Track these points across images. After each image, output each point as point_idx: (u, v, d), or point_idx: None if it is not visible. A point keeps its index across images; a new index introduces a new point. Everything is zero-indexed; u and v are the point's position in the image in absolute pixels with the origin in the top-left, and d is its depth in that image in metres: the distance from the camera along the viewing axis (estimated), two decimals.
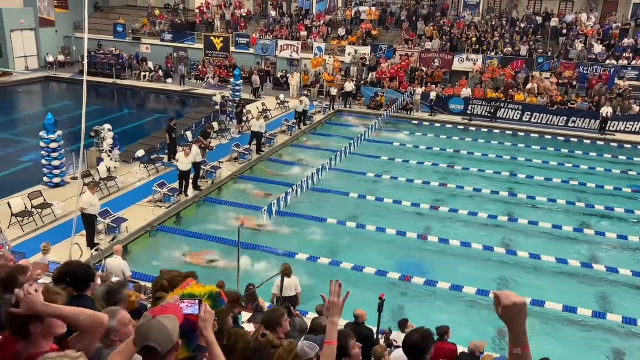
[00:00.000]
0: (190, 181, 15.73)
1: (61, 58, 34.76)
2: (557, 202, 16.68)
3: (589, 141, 23.71)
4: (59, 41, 35.67)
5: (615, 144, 23.50)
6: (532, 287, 11.89)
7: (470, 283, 11.78)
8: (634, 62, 27.75)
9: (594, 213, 16.23)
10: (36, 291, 2.70)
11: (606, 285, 12.36)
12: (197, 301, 2.60)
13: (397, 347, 7.19)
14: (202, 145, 17.80)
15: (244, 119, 22.71)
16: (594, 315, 10.97)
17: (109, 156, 16.80)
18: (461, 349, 8.02)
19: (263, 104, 25.12)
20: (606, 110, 24.03)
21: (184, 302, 2.58)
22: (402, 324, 8.52)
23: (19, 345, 2.78)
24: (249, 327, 7.30)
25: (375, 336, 7.81)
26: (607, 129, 24.30)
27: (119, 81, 31.60)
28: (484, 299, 11.35)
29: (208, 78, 31.70)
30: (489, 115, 25.92)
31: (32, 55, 34.12)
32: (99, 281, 8.21)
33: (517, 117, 25.73)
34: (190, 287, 2.77)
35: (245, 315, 8.23)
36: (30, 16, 33.63)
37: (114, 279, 9.03)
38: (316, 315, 8.09)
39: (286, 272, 9.44)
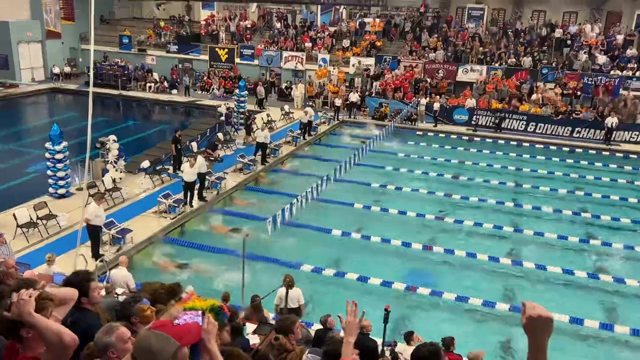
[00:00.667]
0: (195, 192, 15.75)
1: (67, 69, 35.07)
2: (563, 212, 16.58)
3: (594, 151, 23.63)
4: (65, 53, 36.01)
5: (621, 154, 23.41)
6: (537, 299, 11.76)
7: (476, 294, 11.70)
8: (638, 73, 27.71)
9: (600, 223, 16.12)
10: (29, 297, 2.70)
11: (613, 296, 12.25)
12: (199, 313, 2.58)
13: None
14: (211, 158, 17.91)
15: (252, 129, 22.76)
16: (601, 326, 10.85)
17: (114, 167, 16.88)
18: None
19: (268, 115, 25.20)
20: (611, 121, 23.98)
21: (186, 314, 2.56)
22: (408, 336, 8.45)
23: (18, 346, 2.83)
24: (254, 339, 7.26)
25: (380, 348, 7.74)
26: (612, 139, 24.24)
27: (124, 92, 31.80)
28: (489, 310, 11.28)
29: (213, 89, 31.87)
30: (493, 125, 25.90)
31: (39, 67, 34.45)
32: (103, 292, 8.20)
33: (521, 127, 25.71)
34: (191, 301, 2.74)
35: (250, 327, 8.18)
36: (37, 28, 33.98)
37: (118, 290, 9.03)
38: (320, 327, 8.04)
39: (289, 284, 9.40)
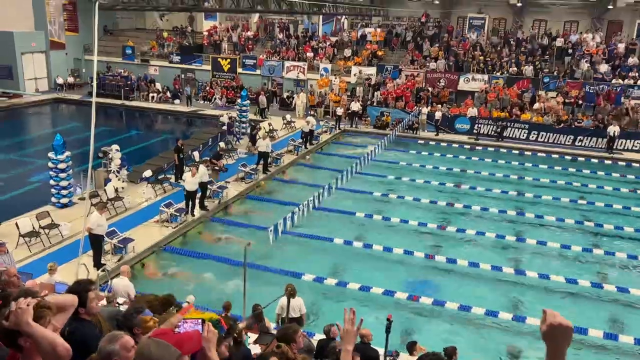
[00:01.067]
0: (197, 201, 15.76)
1: (71, 80, 35.25)
2: (566, 221, 16.51)
3: (596, 160, 23.60)
4: (68, 63, 36.20)
5: (623, 163, 23.38)
6: (541, 308, 11.70)
7: (479, 303, 11.64)
8: None
9: (603, 232, 16.06)
10: (27, 305, 2.70)
11: (617, 306, 12.18)
12: (199, 321, 2.58)
13: None
14: (216, 168, 17.94)
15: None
16: (605, 336, 10.78)
17: (116, 176, 16.92)
18: None
19: (270, 124, 25.27)
20: (613, 129, 23.97)
21: (187, 322, 2.56)
22: (411, 347, 8.41)
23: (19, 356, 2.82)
24: (256, 349, 7.23)
25: (382, 358, 7.70)
26: (614, 147, 24.22)
27: (127, 102, 31.93)
28: (492, 320, 11.21)
29: (215, 99, 31.98)
30: (495, 134, 25.91)
31: (42, 77, 34.61)
32: (104, 302, 8.18)
33: (523, 136, 25.72)
34: (188, 314, 2.74)
35: (252, 337, 8.15)
36: (41, 39, 34.20)
37: (120, 299, 9.02)
38: (323, 337, 8.01)
39: (291, 293, 9.37)
